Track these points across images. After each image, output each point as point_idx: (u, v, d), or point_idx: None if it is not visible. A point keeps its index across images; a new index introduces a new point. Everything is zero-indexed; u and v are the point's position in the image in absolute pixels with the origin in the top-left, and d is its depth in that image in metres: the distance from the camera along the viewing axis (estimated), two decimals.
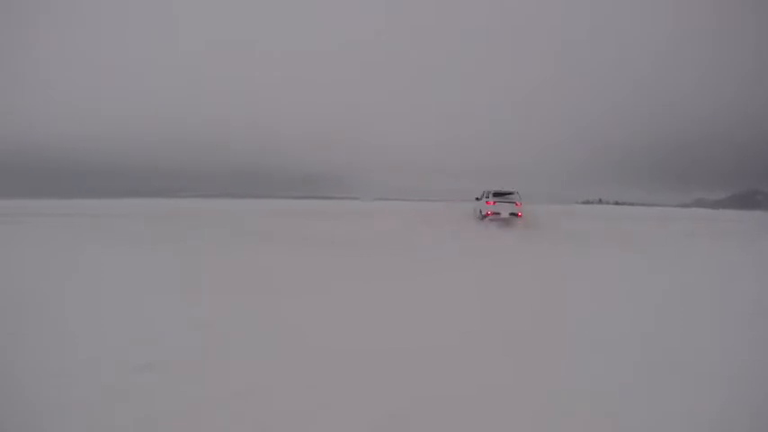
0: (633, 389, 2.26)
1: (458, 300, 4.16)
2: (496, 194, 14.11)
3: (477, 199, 15.87)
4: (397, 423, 1.90)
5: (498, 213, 13.83)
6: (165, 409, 1.99)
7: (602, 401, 2.11)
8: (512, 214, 13.92)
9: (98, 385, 2.22)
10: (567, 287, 4.94)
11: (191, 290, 4.40)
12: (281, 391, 2.17)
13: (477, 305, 3.99)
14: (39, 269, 5.61)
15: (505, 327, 3.31)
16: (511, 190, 14.45)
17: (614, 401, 2.12)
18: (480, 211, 14.25)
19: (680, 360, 2.66)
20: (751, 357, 2.77)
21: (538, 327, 3.31)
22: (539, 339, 3.00)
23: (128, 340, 2.88)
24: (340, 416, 1.96)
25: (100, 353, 2.66)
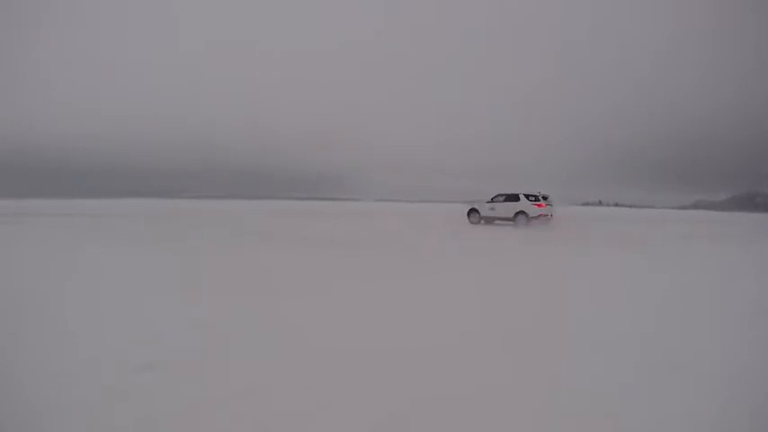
0: (633, 389, 2.26)
1: (458, 300, 4.16)
2: (545, 198, 15.43)
3: (489, 201, 16.24)
4: (397, 423, 1.90)
5: (546, 215, 15.28)
6: (165, 409, 1.99)
7: (602, 401, 2.11)
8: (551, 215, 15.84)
9: (98, 385, 2.22)
10: (567, 287, 4.94)
11: (191, 290, 4.41)
12: (281, 391, 2.17)
13: (477, 305, 3.99)
14: (39, 269, 5.61)
15: (505, 327, 3.31)
16: (546, 194, 15.69)
17: (614, 401, 2.13)
18: (526, 214, 15.06)
19: (680, 360, 2.67)
20: (751, 357, 2.77)
21: (538, 327, 3.31)
22: (539, 339, 3.01)
23: (128, 340, 2.88)
24: (340, 416, 1.96)
25: (100, 353, 2.66)
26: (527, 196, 15.32)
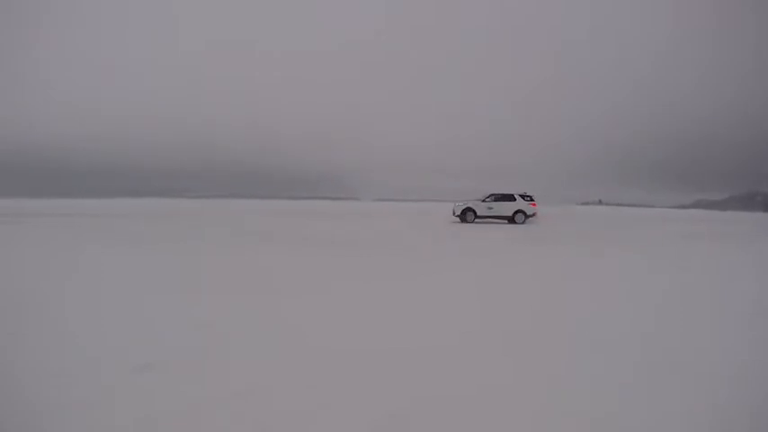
0: (633, 389, 2.26)
1: (458, 300, 4.16)
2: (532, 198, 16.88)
3: (482, 200, 16.91)
4: (397, 423, 1.90)
5: (537, 213, 17.07)
6: (165, 409, 1.99)
7: (602, 401, 2.11)
8: None
9: (98, 385, 2.22)
10: (567, 287, 4.94)
11: (191, 290, 4.41)
12: (281, 391, 2.17)
13: (478, 305, 3.99)
14: (39, 269, 5.61)
15: (505, 327, 3.31)
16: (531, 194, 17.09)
17: (614, 401, 2.13)
18: (525, 213, 16.56)
19: (680, 360, 2.67)
20: (751, 357, 2.77)
21: (538, 327, 3.31)
22: (539, 339, 3.01)
23: (128, 340, 2.88)
24: (340, 416, 1.96)
25: (100, 353, 2.66)
26: (522, 196, 16.62)
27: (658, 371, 2.49)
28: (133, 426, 1.86)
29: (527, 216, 16.46)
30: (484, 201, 16.72)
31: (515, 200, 16.53)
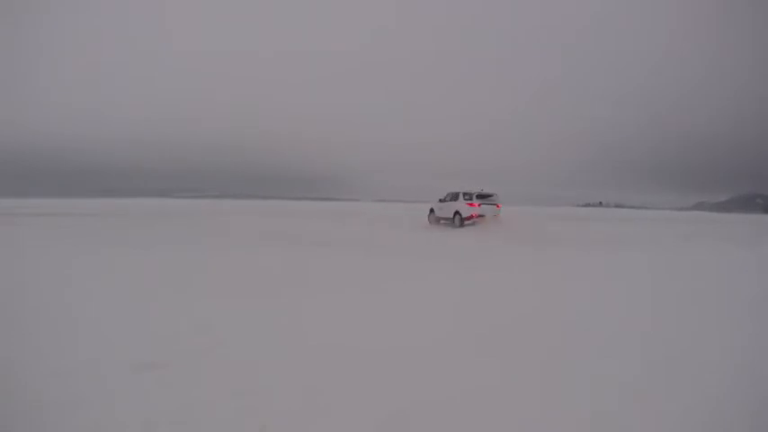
0: (633, 389, 2.26)
1: (459, 300, 4.17)
2: (485, 196, 14.21)
3: (440, 200, 15.21)
4: (397, 423, 1.90)
5: (482, 215, 13.87)
6: (165, 409, 1.99)
7: (602, 401, 2.11)
8: None
9: (98, 385, 2.22)
10: (568, 287, 4.94)
11: (191, 290, 4.40)
12: (281, 391, 2.17)
13: (479, 306, 3.99)
14: (38, 269, 5.61)
15: (507, 327, 3.31)
16: (488, 192, 14.31)
17: (614, 401, 2.12)
18: (460, 215, 14.03)
19: (680, 360, 2.66)
20: (751, 357, 2.77)
21: (538, 327, 3.31)
22: (539, 339, 3.00)
23: (128, 340, 2.88)
24: (340, 416, 1.96)
25: (100, 353, 2.66)
26: (464, 195, 14.05)
27: (658, 371, 2.49)
28: (133, 426, 1.86)
29: (463, 219, 13.76)
30: (441, 201, 14.90)
31: (457, 199, 14.09)
